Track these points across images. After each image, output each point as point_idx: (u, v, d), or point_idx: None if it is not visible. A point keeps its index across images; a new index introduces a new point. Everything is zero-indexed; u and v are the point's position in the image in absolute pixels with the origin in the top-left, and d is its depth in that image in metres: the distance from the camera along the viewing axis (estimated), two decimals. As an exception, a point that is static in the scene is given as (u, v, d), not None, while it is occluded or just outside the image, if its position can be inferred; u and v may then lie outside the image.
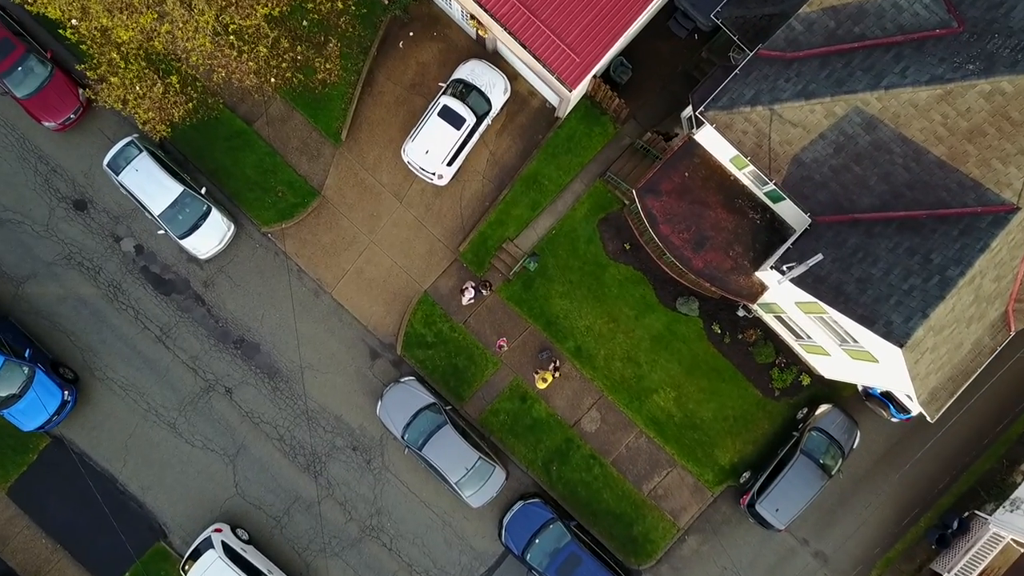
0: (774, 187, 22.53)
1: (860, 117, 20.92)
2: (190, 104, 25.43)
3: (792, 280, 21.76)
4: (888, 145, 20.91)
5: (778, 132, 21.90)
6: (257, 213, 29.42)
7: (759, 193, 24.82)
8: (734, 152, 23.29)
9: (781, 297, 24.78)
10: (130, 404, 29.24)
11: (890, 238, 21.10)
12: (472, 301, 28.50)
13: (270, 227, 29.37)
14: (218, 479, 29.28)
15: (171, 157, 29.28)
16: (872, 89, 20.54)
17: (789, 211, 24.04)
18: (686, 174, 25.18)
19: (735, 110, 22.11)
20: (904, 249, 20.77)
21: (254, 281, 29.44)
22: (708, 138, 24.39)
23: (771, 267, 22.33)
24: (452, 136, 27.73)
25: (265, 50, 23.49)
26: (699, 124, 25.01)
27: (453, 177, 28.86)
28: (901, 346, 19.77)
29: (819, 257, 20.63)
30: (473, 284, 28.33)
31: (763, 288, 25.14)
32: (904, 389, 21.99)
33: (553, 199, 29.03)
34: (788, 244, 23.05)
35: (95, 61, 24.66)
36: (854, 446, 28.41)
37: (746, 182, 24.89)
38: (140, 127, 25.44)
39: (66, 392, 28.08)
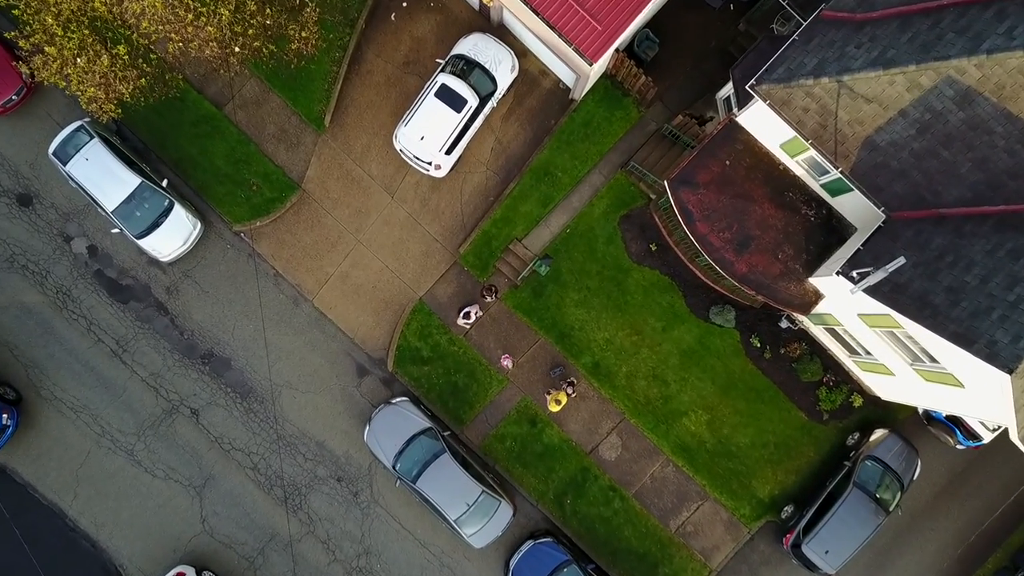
0: (839, 176, 18.41)
1: (953, 89, 16.81)
2: (143, 80, 21.25)
3: (864, 289, 17.68)
4: (987, 124, 16.80)
5: (847, 109, 17.78)
6: (228, 209, 25.28)
7: (814, 185, 20.71)
8: (789, 135, 19.20)
9: (840, 307, 20.69)
10: (81, 428, 25.06)
11: (987, 238, 16.98)
12: (470, 325, 24.66)
13: (243, 225, 25.24)
14: (182, 514, 25.12)
15: (129, 145, 25.10)
16: (970, 54, 16.41)
17: (853, 206, 19.94)
18: (727, 163, 21.07)
19: (794, 83, 17.98)
20: (1006, 252, 16.64)
21: (224, 287, 25.29)
22: (754, 120, 20.30)
23: (837, 273, 18.22)
24: (451, 120, 23.58)
25: (228, 13, 19.33)
26: (742, 104, 20.96)
27: (452, 168, 24.75)
28: (1011, 371, 15.66)
29: (901, 260, 16.51)
30: (478, 307, 24.35)
31: (818, 297, 21.03)
32: (1000, 420, 17.89)
33: (567, 193, 24.91)
34: (858, 245, 18.93)
35: (29, 28, 20.56)
36: (914, 477, 24.33)
37: (799, 172, 20.79)
38: (84, 107, 21.27)
39: (5, 415, 23.84)
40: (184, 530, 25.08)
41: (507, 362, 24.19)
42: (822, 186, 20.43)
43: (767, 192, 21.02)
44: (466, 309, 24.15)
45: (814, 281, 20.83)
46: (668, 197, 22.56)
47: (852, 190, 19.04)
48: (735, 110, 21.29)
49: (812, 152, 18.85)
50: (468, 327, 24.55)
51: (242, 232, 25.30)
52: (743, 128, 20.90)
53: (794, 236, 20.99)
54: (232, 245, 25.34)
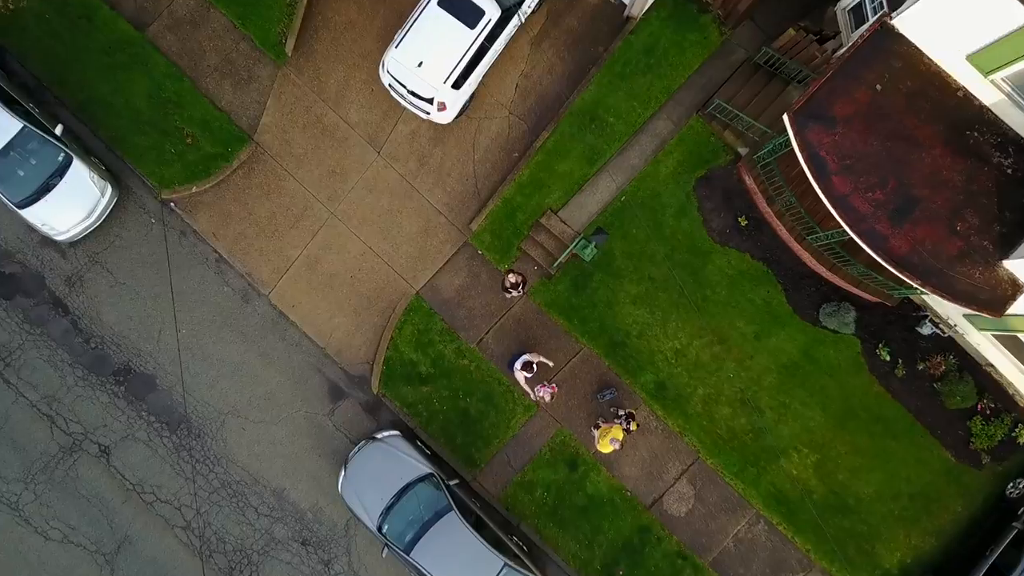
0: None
1: None
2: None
3: None
4: None
5: None
6: (152, 169, 17.85)
7: (1018, 118, 13.42)
8: (997, 33, 11.91)
9: (1053, 305, 13.40)
10: (-54, 472, 17.71)
11: None
12: (545, 398, 16.61)
13: (173, 191, 17.82)
14: (88, 591, 17.77)
15: (15, 81, 17.69)
16: None
17: (1088, 147, 12.68)
18: (877, 87, 13.68)
19: (1035, -69, 10.70)
20: None
21: (147, 277, 17.82)
22: (926, 18, 12.98)
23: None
24: (462, 38, 16.14)
25: None
26: (895, 4, 13.66)
27: (463, 111, 17.37)
28: None
29: None
30: (540, 357, 16.64)
31: (1016, 289, 13.67)
32: None
33: (623, 146, 17.49)
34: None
35: None
36: (1108, 544, 17.00)
37: (990, 98, 13.36)
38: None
39: None
40: (90, 613, 17.71)
41: (545, 393, 16.54)
42: (1034, 118, 13.11)
43: (938, 131, 13.64)
44: (525, 357, 16.28)
45: (1011, 265, 13.49)
46: (773, 146, 15.24)
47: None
48: (888, 11, 13.95)
49: (1044, 55, 11.55)
50: (545, 398, 16.61)
51: (172, 201, 17.90)
52: (902, 36, 13.52)
53: (980, 197, 13.61)
54: (158, 219, 17.92)
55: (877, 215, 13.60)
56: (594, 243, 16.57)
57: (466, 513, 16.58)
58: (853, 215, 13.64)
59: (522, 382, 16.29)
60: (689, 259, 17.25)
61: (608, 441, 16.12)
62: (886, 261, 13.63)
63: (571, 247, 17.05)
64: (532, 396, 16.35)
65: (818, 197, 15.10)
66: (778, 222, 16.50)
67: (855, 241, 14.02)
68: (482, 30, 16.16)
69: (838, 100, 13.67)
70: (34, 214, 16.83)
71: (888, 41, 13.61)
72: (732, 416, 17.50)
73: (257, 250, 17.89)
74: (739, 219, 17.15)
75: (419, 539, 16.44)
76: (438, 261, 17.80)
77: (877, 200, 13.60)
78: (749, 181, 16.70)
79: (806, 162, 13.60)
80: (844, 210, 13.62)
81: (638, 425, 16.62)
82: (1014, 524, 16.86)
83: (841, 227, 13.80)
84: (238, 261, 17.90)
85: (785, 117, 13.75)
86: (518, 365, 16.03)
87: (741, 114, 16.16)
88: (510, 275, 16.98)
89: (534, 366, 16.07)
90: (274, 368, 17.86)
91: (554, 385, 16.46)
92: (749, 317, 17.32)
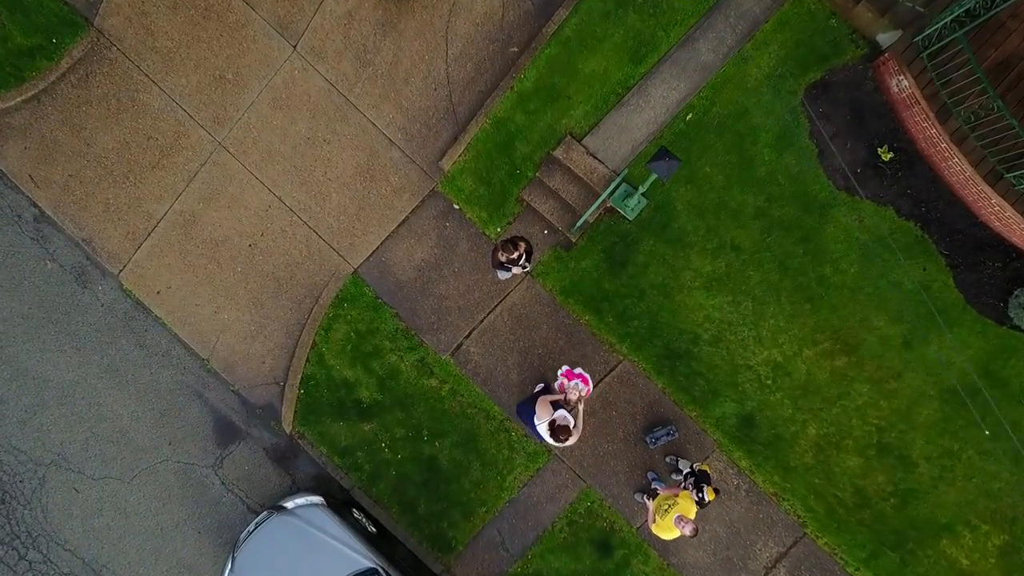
0: None
1: None
2: None
3: None
4: None
5: None
6: (-69, 73, 11.02)
7: None
8: None
9: None
10: None
11: None
12: (572, 397, 9.32)
13: (-35, 110, 11.00)
14: None
15: None
16: None
17: None
18: None
19: None
20: None
21: (-78, 245, 11.03)
22: None
23: None
24: None
25: None
26: None
27: (427, -24, 10.49)
28: None
29: None
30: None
31: None
32: None
33: (687, 34, 10.63)
34: None
35: None
36: None
37: None
38: None
39: None
40: None
41: (575, 392, 9.11)
42: None
43: None
44: (543, 420, 9.02)
45: None
46: (971, 7, 8.40)
47: None
48: None
49: None
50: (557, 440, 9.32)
51: (-36, 125, 11.03)
52: None
53: None
54: (-60, 153, 11.06)
55: None
56: (655, 175, 9.21)
57: (431, 634, 9.76)
58: None
59: (556, 444, 9.26)
60: (797, 216, 10.36)
61: (673, 521, 9.16)
62: None
63: (604, 195, 10.13)
64: (576, 435, 9.18)
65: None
66: (953, 151, 9.63)
67: None
68: None
69: None
70: None
71: None
72: (863, 470, 10.63)
73: (101, 203, 10.98)
74: (879, 150, 10.27)
75: None
76: (389, 221, 10.91)
77: None
78: (899, 86, 9.84)
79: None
80: None
81: (716, 492, 9.72)
82: None
83: None
84: (70, 220, 11.00)
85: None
86: (544, 429, 9.10)
87: (898, -34, 9.29)
88: (506, 243, 9.99)
89: (562, 409, 9.08)
90: (127, 391, 10.95)
91: (584, 374, 9.49)
92: (894, 311, 10.43)
